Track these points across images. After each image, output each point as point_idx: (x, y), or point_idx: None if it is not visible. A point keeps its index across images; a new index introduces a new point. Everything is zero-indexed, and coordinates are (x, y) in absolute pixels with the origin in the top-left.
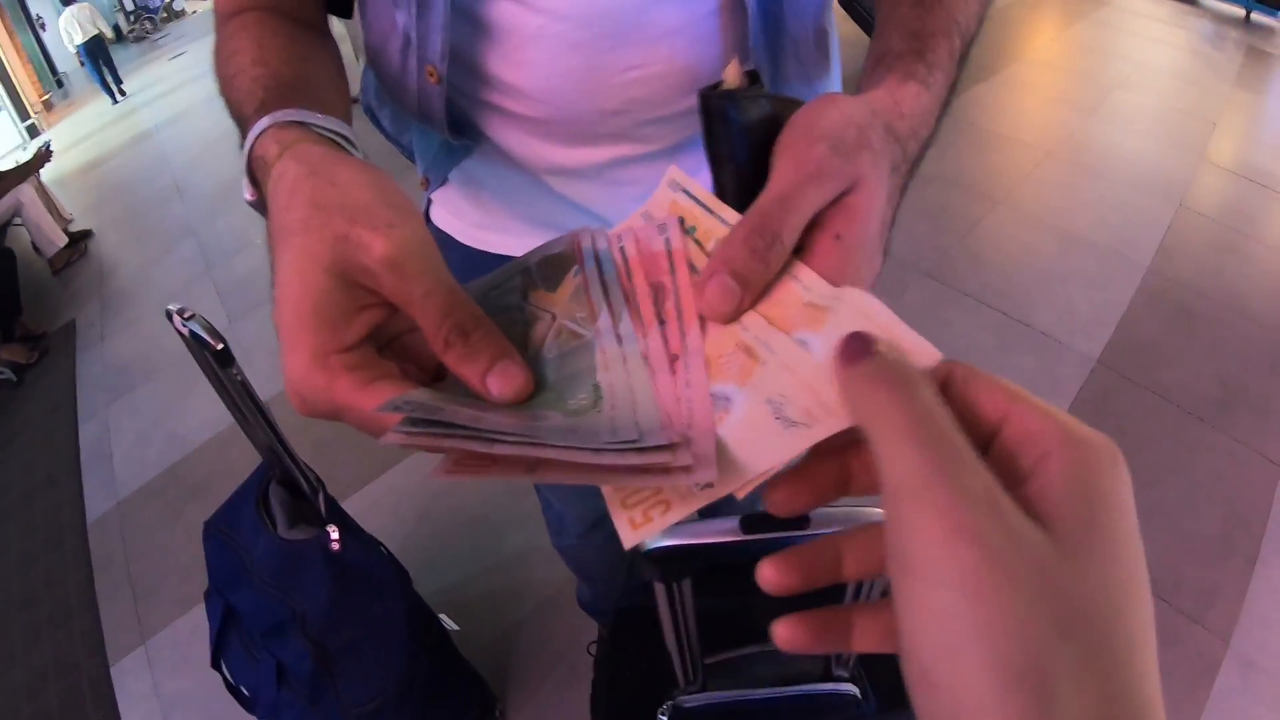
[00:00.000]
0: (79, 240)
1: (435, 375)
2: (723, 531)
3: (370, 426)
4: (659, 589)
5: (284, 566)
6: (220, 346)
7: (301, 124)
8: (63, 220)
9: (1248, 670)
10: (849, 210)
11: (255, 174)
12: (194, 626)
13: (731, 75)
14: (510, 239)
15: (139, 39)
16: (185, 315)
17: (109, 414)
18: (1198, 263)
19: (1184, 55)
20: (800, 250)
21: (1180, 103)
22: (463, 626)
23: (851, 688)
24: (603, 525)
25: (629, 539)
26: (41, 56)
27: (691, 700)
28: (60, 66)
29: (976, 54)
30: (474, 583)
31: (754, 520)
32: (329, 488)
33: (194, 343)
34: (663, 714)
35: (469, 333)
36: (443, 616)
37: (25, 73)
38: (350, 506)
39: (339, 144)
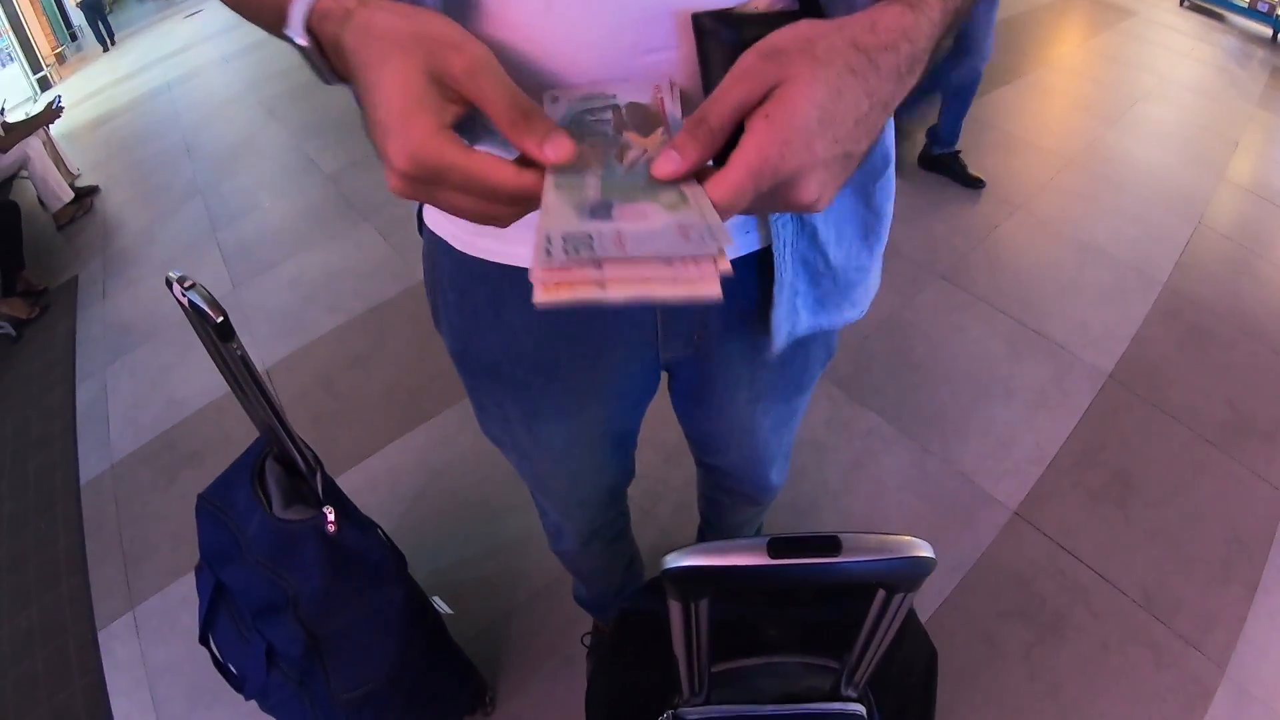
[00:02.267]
0: (85, 196)
1: None
2: (749, 554)
3: (479, 181)
4: (675, 607)
5: (278, 547)
6: (220, 319)
7: None
8: (69, 175)
9: (1242, 698)
10: (778, 97)
11: (315, 25)
12: (183, 595)
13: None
14: (507, 246)
15: None
16: (186, 284)
17: (107, 374)
18: (1214, 283)
19: (1209, 71)
20: (742, 131)
21: (1203, 119)
22: (456, 611)
23: (859, 708)
24: (600, 535)
25: (541, 297)
26: (56, 8)
27: (694, 712)
28: (74, 20)
29: (1001, 57)
30: (469, 566)
31: (781, 544)
32: (325, 463)
33: (194, 313)
34: None
35: (529, 115)
36: (436, 600)
37: (40, 24)
38: (346, 482)
39: None
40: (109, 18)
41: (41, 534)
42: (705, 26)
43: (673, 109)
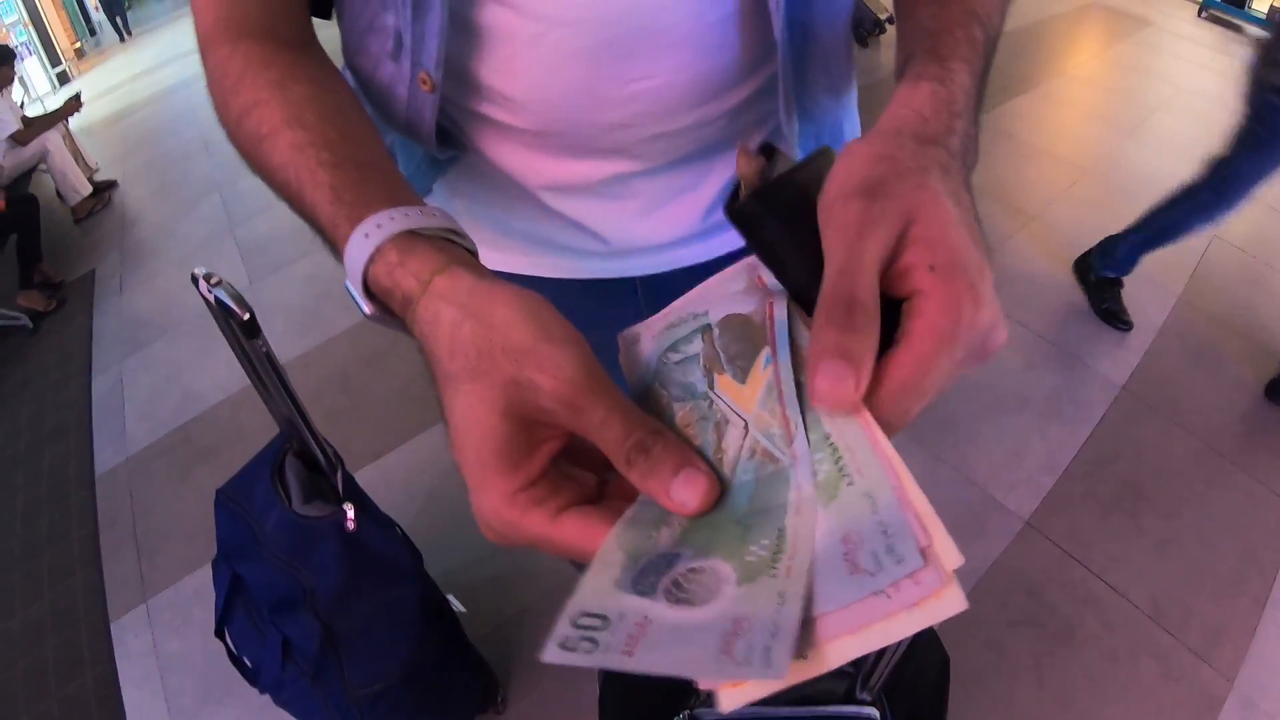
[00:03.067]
0: (103, 190)
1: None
2: None
3: (568, 552)
4: None
5: (296, 542)
6: (247, 316)
7: (413, 233)
8: (88, 169)
9: (1249, 712)
10: (925, 240)
11: (377, 292)
12: (196, 589)
13: (743, 165)
14: (499, 255)
15: None
16: (212, 281)
17: (123, 368)
18: (1229, 295)
19: (1226, 82)
20: (909, 298)
21: (1221, 130)
22: (469, 609)
23: (873, 711)
24: None
25: (729, 702)
26: (76, 4)
27: (710, 713)
28: (94, 16)
29: (1018, 66)
30: (483, 565)
31: None
32: (341, 459)
33: (219, 310)
34: None
35: (649, 448)
36: (451, 598)
37: (59, 19)
38: (362, 479)
39: (453, 241)
40: (127, 13)
41: (56, 525)
42: (747, 211)
43: (779, 312)
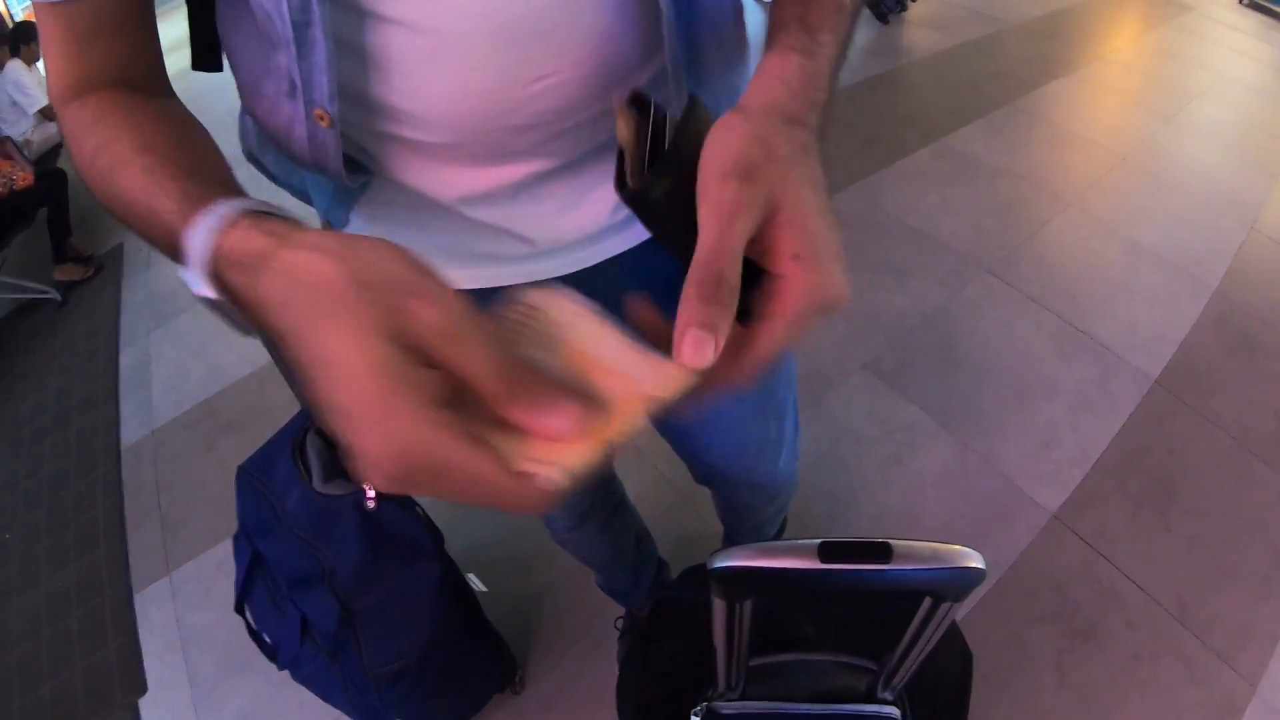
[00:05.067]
0: None
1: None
2: (800, 557)
3: (494, 495)
4: (719, 605)
5: (317, 520)
6: None
7: (266, 213)
8: None
9: (1271, 717)
10: (790, 227)
11: (222, 271)
12: (219, 561)
13: (622, 131)
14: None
15: None
16: None
17: (150, 341)
18: (1266, 291)
19: (1268, 71)
20: (773, 279)
21: (1260, 120)
22: (489, 588)
23: (894, 710)
24: (591, 517)
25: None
26: None
27: (729, 706)
28: None
29: (1056, 49)
30: (503, 544)
31: (832, 549)
32: None
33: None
34: (696, 714)
35: (523, 381)
36: (471, 576)
37: None
38: None
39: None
40: None
41: (81, 496)
42: (636, 191)
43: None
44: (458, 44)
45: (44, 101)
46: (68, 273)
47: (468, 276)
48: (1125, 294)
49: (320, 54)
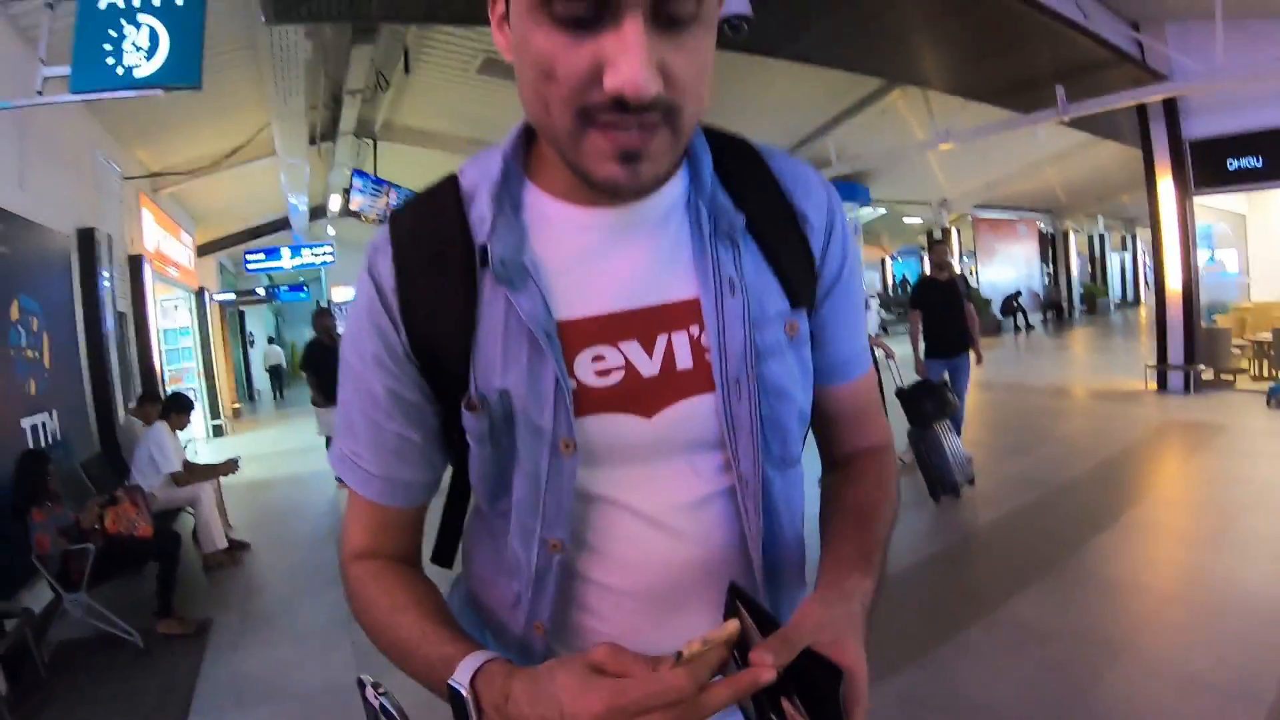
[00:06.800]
0: (236, 549)
1: None
2: None
3: (660, 690)
4: None
5: None
6: None
7: (496, 658)
8: (227, 526)
9: None
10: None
11: (478, 687)
12: None
13: (732, 628)
14: None
15: None
16: (379, 689)
17: (224, 718)
18: None
19: None
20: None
21: None
22: None
23: None
24: None
25: None
26: (244, 369)
27: None
28: (257, 384)
29: (1100, 499)
30: None
31: None
32: None
33: (382, 716)
34: None
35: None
36: None
37: (228, 380)
38: None
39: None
40: (284, 388)
41: None
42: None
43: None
44: (634, 598)
45: (176, 467)
46: (170, 627)
47: None
48: None
49: (548, 595)
